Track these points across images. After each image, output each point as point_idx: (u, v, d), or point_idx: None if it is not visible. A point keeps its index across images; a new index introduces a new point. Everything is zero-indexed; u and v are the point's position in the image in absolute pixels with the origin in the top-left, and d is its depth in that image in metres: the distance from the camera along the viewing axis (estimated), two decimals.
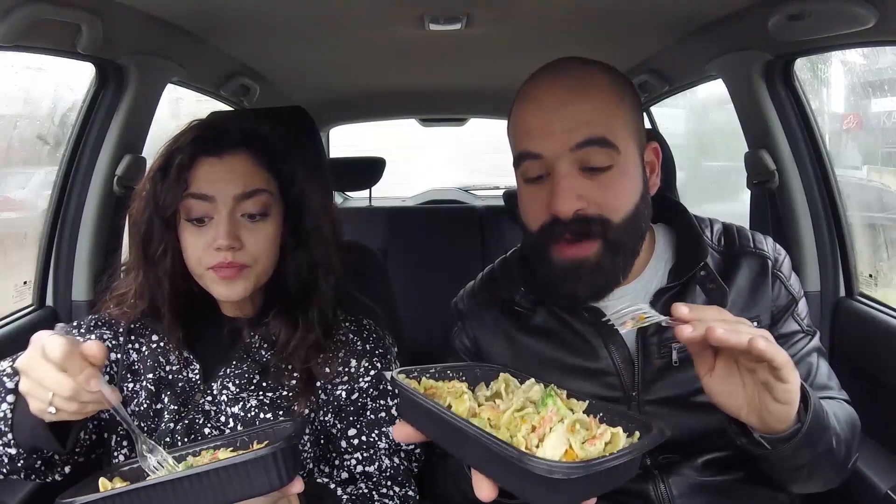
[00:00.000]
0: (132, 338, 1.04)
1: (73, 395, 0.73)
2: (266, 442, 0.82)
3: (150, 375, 1.01)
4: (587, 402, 0.77)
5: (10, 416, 0.86)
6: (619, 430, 0.69)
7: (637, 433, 0.70)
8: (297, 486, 0.76)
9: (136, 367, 1.03)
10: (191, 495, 0.71)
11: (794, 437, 0.78)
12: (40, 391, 0.74)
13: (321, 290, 1.03)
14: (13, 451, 0.87)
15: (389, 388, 1.05)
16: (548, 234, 0.92)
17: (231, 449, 0.83)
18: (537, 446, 0.66)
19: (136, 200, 1.00)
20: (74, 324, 1.07)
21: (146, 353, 1.03)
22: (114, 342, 1.03)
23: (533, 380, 0.81)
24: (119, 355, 1.03)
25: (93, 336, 1.03)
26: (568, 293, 0.95)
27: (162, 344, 1.03)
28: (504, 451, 0.62)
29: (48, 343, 0.73)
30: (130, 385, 1.02)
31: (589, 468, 0.61)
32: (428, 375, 0.83)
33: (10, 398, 0.86)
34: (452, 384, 0.81)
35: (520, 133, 0.95)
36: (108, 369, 1.01)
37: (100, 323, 1.05)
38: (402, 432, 0.78)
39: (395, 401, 1.05)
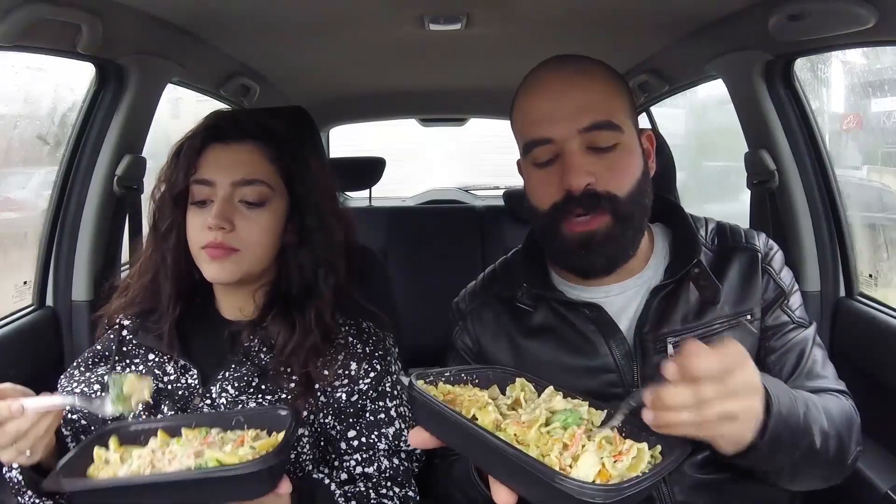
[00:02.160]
0: (126, 361, 1.05)
1: (17, 432, 0.78)
2: (258, 430, 0.84)
3: None
4: (605, 411, 0.78)
5: (20, 478, 0.92)
6: (645, 445, 0.70)
7: (658, 446, 0.72)
8: (284, 487, 0.79)
9: None
10: (181, 496, 0.75)
11: (756, 450, 0.77)
12: (5, 451, 0.80)
13: (320, 292, 1.03)
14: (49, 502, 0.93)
15: (389, 389, 1.05)
16: (560, 210, 0.96)
17: (223, 430, 0.85)
18: (570, 465, 0.67)
19: (157, 181, 1.06)
20: (74, 364, 1.08)
21: (143, 371, 1.03)
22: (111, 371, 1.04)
23: (552, 388, 0.82)
24: None
25: (91, 374, 1.04)
26: (582, 265, 0.99)
27: (157, 359, 1.04)
28: (539, 472, 0.63)
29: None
30: None
31: (623, 491, 0.62)
32: (444, 379, 0.83)
33: (16, 471, 0.93)
34: (473, 392, 0.80)
35: (528, 122, 0.99)
36: (101, 392, 1.02)
37: (96, 360, 1.07)
38: (419, 438, 0.78)
39: (395, 402, 1.05)
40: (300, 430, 0.99)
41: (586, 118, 0.94)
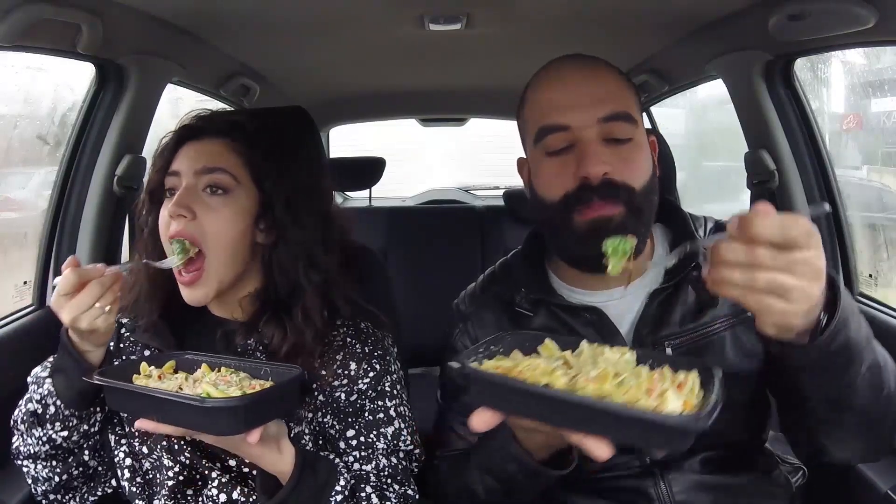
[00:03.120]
0: (123, 357, 1.06)
1: (102, 287, 0.88)
2: (271, 382, 0.91)
3: None
4: (633, 351, 0.81)
5: (52, 388, 0.95)
6: (694, 372, 0.74)
7: (695, 370, 0.75)
8: (253, 437, 0.83)
9: None
10: (161, 412, 0.85)
11: (828, 328, 0.72)
12: (86, 313, 0.87)
13: (304, 289, 1.02)
14: (63, 433, 0.96)
15: (388, 388, 1.05)
16: (574, 199, 0.94)
17: (251, 376, 0.93)
18: (657, 406, 0.69)
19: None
20: None
21: None
22: None
23: (585, 341, 0.83)
24: None
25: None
26: (594, 254, 0.92)
27: None
28: (647, 418, 0.66)
29: (57, 286, 0.88)
30: None
31: (711, 416, 0.66)
32: (484, 356, 0.82)
33: (49, 380, 0.96)
34: (531, 362, 0.79)
35: (544, 109, 0.98)
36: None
37: None
38: (483, 420, 0.74)
39: (394, 401, 1.05)
40: (300, 428, 1.00)
41: (606, 107, 0.94)
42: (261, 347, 1.03)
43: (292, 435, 0.98)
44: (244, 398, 0.82)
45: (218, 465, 0.98)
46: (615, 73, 1.00)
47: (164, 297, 1.04)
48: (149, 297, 1.04)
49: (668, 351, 0.97)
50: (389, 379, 1.06)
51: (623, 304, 1.02)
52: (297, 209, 1.03)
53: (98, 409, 0.98)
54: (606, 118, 0.93)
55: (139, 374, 0.93)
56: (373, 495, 0.98)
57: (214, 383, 0.88)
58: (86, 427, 0.98)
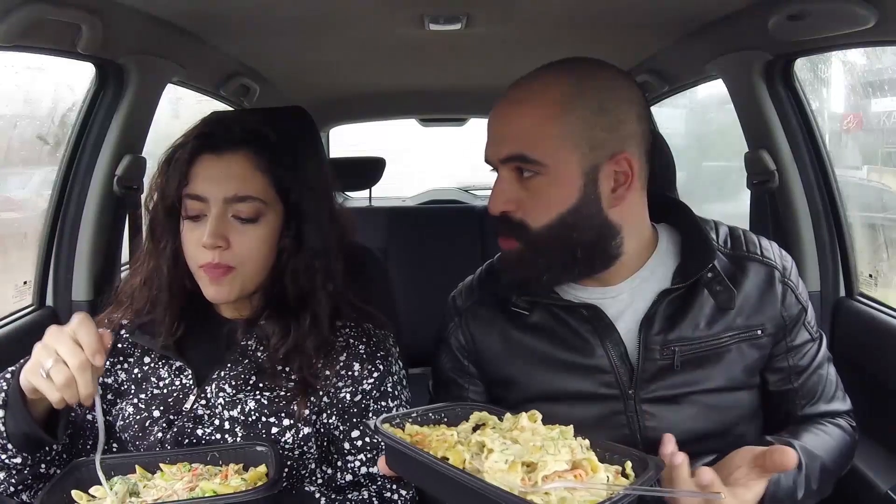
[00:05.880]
0: (120, 358, 1.05)
1: (79, 365, 0.80)
2: (241, 464, 0.87)
3: (143, 395, 1.02)
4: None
5: (3, 429, 0.91)
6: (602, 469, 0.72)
7: (629, 463, 0.74)
8: None
9: (126, 387, 1.04)
10: None
11: None
12: (44, 355, 0.82)
13: (318, 297, 1.02)
14: (17, 460, 0.92)
15: (390, 389, 1.05)
16: (493, 225, 1.01)
17: (202, 465, 0.87)
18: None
19: (150, 191, 1.04)
20: None
21: (138, 374, 1.03)
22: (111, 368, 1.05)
23: (508, 414, 0.82)
24: (107, 379, 1.04)
25: None
26: (505, 280, 1.05)
27: (153, 365, 1.04)
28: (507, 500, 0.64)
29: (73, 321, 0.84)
30: (118, 405, 1.03)
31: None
32: (411, 420, 0.84)
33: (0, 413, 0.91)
34: (441, 432, 0.79)
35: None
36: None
37: None
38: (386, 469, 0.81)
39: (396, 402, 1.05)
40: (307, 430, 0.99)
41: (505, 149, 0.95)
42: (261, 347, 1.03)
43: (300, 436, 0.98)
44: (270, 486, 0.79)
45: None
46: (545, 99, 0.93)
47: (181, 306, 1.03)
48: (167, 306, 1.02)
49: (677, 359, 0.96)
50: (391, 379, 1.06)
51: (622, 301, 1.01)
52: (318, 217, 1.03)
53: (55, 445, 0.94)
54: (503, 160, 0.95)
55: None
56: None
57: (193, 486, 0.82)
58: (44, 461, 0.94)
